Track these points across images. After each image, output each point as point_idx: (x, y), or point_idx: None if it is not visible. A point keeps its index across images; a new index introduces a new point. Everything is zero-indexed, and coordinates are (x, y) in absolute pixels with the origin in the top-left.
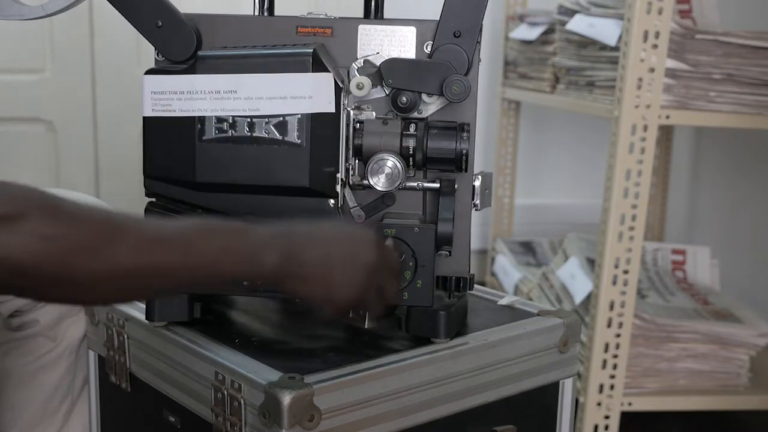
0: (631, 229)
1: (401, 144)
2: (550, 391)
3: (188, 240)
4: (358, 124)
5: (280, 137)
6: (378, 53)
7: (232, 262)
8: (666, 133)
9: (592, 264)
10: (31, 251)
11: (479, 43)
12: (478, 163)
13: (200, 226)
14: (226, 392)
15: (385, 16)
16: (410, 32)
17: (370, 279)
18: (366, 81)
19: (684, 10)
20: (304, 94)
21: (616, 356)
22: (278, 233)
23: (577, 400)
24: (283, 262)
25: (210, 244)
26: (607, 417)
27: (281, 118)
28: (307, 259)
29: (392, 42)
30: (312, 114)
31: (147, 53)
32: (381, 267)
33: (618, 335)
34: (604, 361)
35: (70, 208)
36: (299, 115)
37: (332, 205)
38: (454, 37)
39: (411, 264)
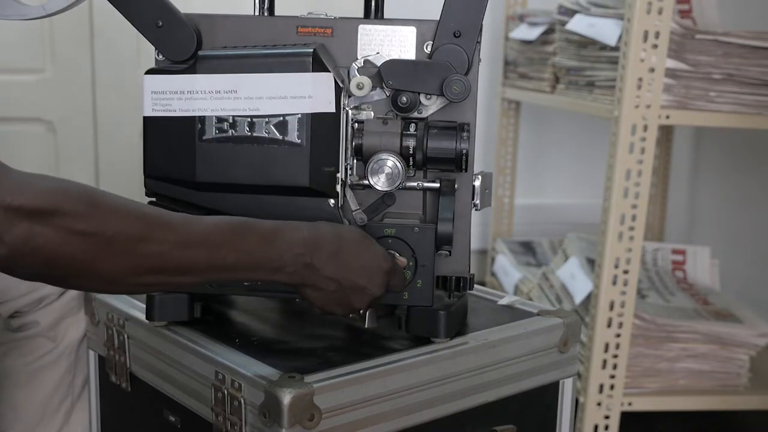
0: (631, 229)
1: (401, 144)
2: (550, 391)
3: (216, 244)
4: (357, 124)
5: (280, 137)
6: (378, 53)
7: (254, 269)
8: (666, 133)
9: (592, 264)
10: (64, 245)
11: (479, 43)
12: (478, 163)
13: (228, 230)
14: (226, 392)
15: (385, 16)
16: (410, 32)
17: (382, 289)
18: (366, 81)
19: (684, 10)
20: (304, 94)
21: (616, 356)
22: (302, 242)
23: (577, 400)
24: (302, 274)
25: (236, 249)
26: (607, 417)
27: (281, 118)
28: (326, 272)
29: (392, 42)
30: (312, 114)
31: (147, 53)
32: (392, 269)
33: (618, 335)
34: (604, 361)
35: (106, 204)
36: (299, 115)
37: (332, 205)
38: (454, 37)
39: (411, 264)
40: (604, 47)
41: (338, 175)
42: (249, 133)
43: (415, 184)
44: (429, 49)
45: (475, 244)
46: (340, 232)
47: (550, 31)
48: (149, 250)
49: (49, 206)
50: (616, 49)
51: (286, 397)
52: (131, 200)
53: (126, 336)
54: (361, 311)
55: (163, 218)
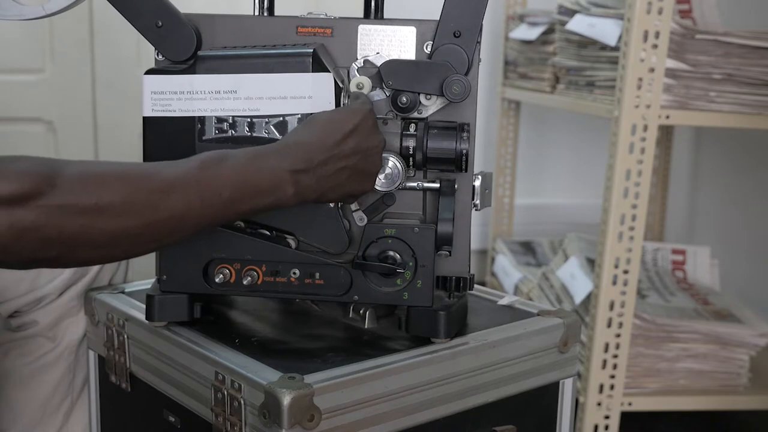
0: (631, 229)
1: (401, 144)
2: (550, 391)
3: (202, 181)
4: None
5: (280, 137)
6: (378, 53)
7: (251, 198)
8: (666, 133)
9: (592, 264)
10: (50, 222)
11: (479, 43)
12: (478, 163)
13: (210, 168)
14: (226, 392)
15: (385, 16)
16: (410, 32)
17: (379, 157)
18: (366, 81)
19: (684, 10)
20: (304, 94)
21: (616, 356)
22: (288, 154)
23: (577, 400)
24: (302, 184)
25: (224, 185)
26: (607, 417)
27: (281, 118)
28: (326, 170)
29: (392, 42)
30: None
31: (147, 53)
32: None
33: (618, 335)
34: (604, 361)
35: (79, 171)
36: (299, 115)
37: (332, 205)
38: (454, 37)
39: (411, 264)
40: (604, 47)
41: None
42: (249, 134)
43: (415, 184)
44: (429, 49)
45: (475, 244)
46: (312, 120)
47: (550, 31)
48: (137, 205)
49: (26, 189)
50: (616, 49)
51: (286, 398)
52: (105, 162)
53: (126, 336)
54: (362, 311)
55: (136, 170)
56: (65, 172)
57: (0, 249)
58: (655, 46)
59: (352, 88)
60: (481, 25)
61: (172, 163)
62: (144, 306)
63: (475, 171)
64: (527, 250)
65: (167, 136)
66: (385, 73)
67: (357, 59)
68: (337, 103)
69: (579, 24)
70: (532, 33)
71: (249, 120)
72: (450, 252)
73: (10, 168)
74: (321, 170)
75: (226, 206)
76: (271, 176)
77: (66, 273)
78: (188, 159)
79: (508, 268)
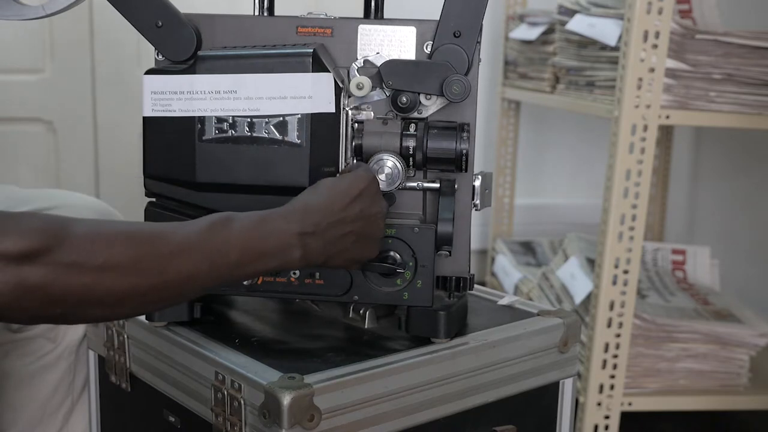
0: (631, 229)
1: (401, 144)
2: (550, 391)
3: (209, 246)
4: (357, 124)
5: (280, 137)
6: (378, 53)
7: (259, 261)
8: (666, 133)
9: (592, 264)
10: (60, 280)
11: (479, 43)
12: (478, 163)
13: (219, 229)
14: (226, 392)
15: (385, 16)
16: (410, 32)
17: (383, 223)
18: (366, 81)
19: (684, 10)
20: (304, 94)
21: (616, 356)
22: (294, 218)
23: (577, 400)
24: (309, 247)
25: (233, 246)
26: (607, 417)
27: (281, 118)
28: (332, 235)
29: (392, 42)
30: (312, 114)
31: (147, 53)
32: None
33: (618, 335)
34: (604, 361)
35: (88, 230)
36: (299, 115)
37: None
38: (454, 37)
39: (411, 264)
40: (604, 47)
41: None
42: (249, 134)
43: (415, 184)
44: (429, 49)
45: (475, 244)
46: (319, 187)
47: (550, 31)
48: (144, 266)
49: (35, 245)
50: (616, 49)
51: (286, 398)
52: (114, 221)
53: (126, 336)
54: (362, 311)
55: (147, 230)
56: (73, 229)
57: (5, 306)
58: (655, 46)
59: (352, 88)
60: (481, 25)
61: (180, 224)
62: None
63: (475, 171)
64: (527, 250)
65: (167, 136)
66: (385, 73)
67: (357, 59)
68: (337, 104)
69: (579, 24)
70: (532, 33)
71: (249, 120)
72: (450, 252)
73: (20, 224)
74: (328, 234)
75: (234, 268)
76: (279, 239)
77: None
78: (196, 221)
79: (508, 268)
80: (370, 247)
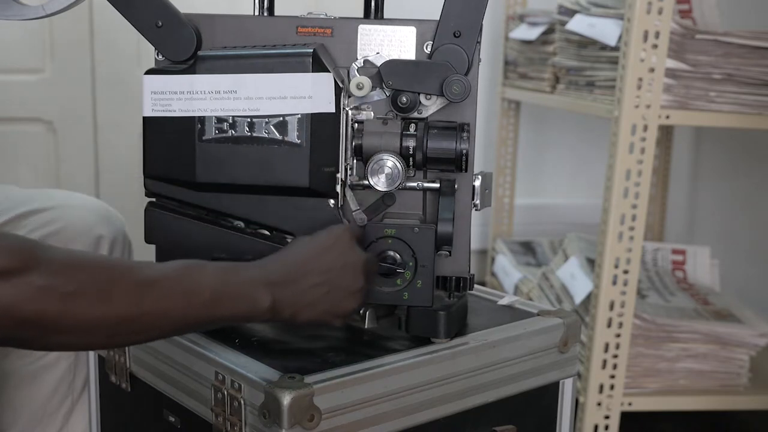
0: (631, 229)
1: (401, 144)
2: (550, 391)
3: (180, 284)
4: (357, 124)
5: (280, 137)
6: (378, 53)
7: (230, 303)
8: (666, 133)
9: (592, 264)
10: (32, 302)
11: (479, 43)
12: (478, 163)
13: (190, 271)
14: (226, 392)
15: (385, 16)
16: (410, 32)
17: (364, 278)
18: (366, 81)
19: (684, 10)
20: (304, 94)
21: (616, 356)
22: (265, 268)
23: (577, 400)
24: (278, 296)
25: (206, 286)
26: (607, 417)
27: (281, 118)
28: (302, 286)
29: (392, 42)
30: (312, 114)
31: (147, 53)
32: (367, 260)
33: (618, 335)
34: (604, 361)
35: (64, 257)
36: (299, 115)
37: (332, 205)
38: (454, 37)
39: (411, 264)
40: (604, 47)
41: (338, 175)
42: (249, 134)
43: (415, 184)
44: (429, 49)
45: (475, 244)
46: (294, 244)
47: (550, 31)
48: (117, 295)
49: (13, 264)
50: (616, 49)
51: (286, 398)
52: (90, 252)
53: None
54: (361, 311)
55: (125, 263)
56: (49, 254)
57: None
58: (655, 46)
59: (352, 88)
60: (481, 25)
61: (155, 262)
62: None
63: (475, 171)
64: (527, 250)
65: (167, 136)
66: (385, 73)
67: (357, 59)
68: (337, 104)
69: (579, 24)
70: (532, 33)
71: (249, 120)
72: (450, 252)
73: None
74: (298, 285)
75: (207, 307)
76: (249, 285)
77: None
78: (171, 261)
79: (508, 268)
80: (348, 299)
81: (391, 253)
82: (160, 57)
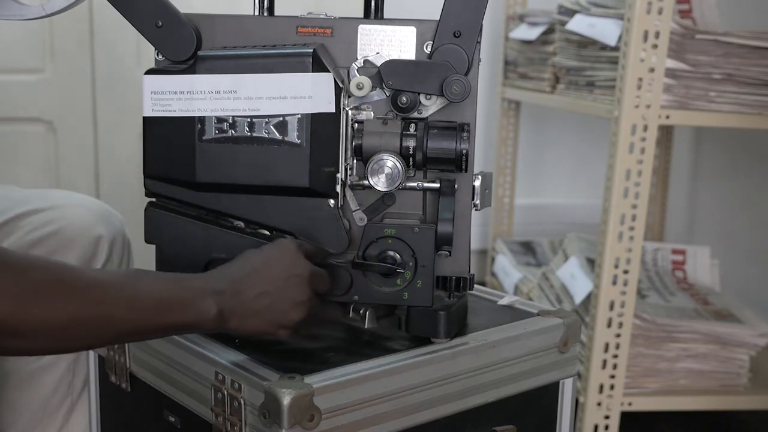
0: (631, 229)
1: (401, 144)
2: (550, 391)
3: (128, 288)
4: (357, 124)
5: (280, 137)
6: (378, 53)
7: (176, 311)
8: (666, 133)
9: (592, 264)
10: None
11: (479, 43)
12: (478, 163)
13: (139, 276)
14: (226, 392)
15: (385, 16)
16: (410, 32)
17: (310, 290)
18: (366, 81)
19: (684, 10)
20: (304, 94)
21: (616, 356)
22: (210, 278)
23: (577, 400)
24: (224, 305)
25: (151, 292)
26: (607, 417)
27: (281, 118)
28: (247, 295)
29: (392, 42)
30: (312, 114)
31: (147, 53)
32: (315, 273)
33: (618, 335)
34: (604, 361)
35: (12, 259)
36: (299, 115)
37: (332, 205)
38: (454, 37)
39: (411, 264)
40: (604, 47)
41: (338, 175)
42: (249, 134)
43: (415, 184)
44: (429, 49)
45: (475, 244)
46: (240, 257)
47: (550, 31)
48: (61, 298)
49: None
50: (616, 49)
51: (286, 398)
52: (35, 257)
53: None
54: (362, 311)
55: (70, 267)
56: (5, 256)
57: None
58: (655, 46)
59: (352, 88)
60: (481, 25)
61: (107, 270)
62: None
63: (475, 171)
64: (527, 250)
65: (167, 136)
66: (385, 73)
67: (357, 59)
68: (337, 104)
69: (579, 24)
70: (532, 33)
71: (249, 120)
72: (450, 252)
73: None
74: (243, 294)
75: (151, 313)
76: (194, 292)
77: None
78: (121, 269)
79: (508, 268)
80: (294, 310)
81: (391, 253)
82: (160, 57)
